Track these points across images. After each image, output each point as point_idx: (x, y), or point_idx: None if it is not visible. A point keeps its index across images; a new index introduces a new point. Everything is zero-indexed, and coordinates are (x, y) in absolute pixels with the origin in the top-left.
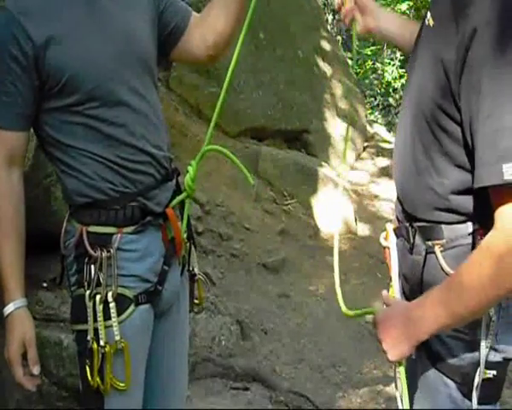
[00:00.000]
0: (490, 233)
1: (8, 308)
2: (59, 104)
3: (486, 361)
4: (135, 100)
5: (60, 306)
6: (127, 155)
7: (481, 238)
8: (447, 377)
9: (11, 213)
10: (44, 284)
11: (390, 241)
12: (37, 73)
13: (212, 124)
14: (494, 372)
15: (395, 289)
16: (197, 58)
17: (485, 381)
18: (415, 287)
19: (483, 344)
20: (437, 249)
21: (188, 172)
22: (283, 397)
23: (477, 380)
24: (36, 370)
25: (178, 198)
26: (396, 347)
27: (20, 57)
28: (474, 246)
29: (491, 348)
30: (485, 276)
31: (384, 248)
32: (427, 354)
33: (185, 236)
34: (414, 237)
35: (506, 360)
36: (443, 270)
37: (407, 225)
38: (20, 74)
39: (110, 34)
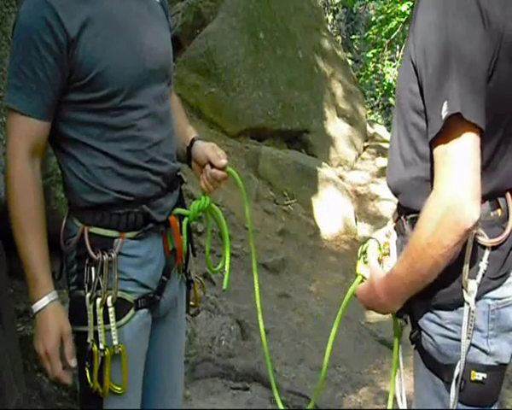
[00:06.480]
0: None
1: (43, 302)
2: (80, 98)
3: (477, 363)
4: (155, 106)
5: None
6: (138, 162)
7: None
8: (436, 375)
9: (37, 205)
10: None
11: (390, 238)
12: (68, 63)
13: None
14: (484, 375)
15: None
16: None
17: (473, 382)
18: None
19: (464, 335)
20: None
21: (200, 199)
22: (283, 397)
23: (457, 372)
24: (73, 362)
25: (182, 211)
26: (386, 308)
27: (52, 45)
28: None
29: (482, 351)
30: (429, 237)
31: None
32: (420, 352)
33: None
34: (406, 228)
35: (501, 365)
36: None
37: (402, 218)
38: (52, 63)
39: (140, 38)
